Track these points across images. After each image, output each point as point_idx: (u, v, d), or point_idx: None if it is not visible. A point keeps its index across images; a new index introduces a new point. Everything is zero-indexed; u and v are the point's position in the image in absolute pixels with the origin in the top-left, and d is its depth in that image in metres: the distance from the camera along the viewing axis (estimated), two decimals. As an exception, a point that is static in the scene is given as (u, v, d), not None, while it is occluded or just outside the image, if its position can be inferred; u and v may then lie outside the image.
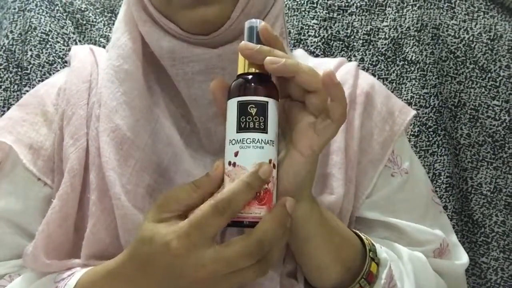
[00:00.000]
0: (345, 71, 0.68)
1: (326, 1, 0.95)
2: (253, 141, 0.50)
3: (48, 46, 0.92)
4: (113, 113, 0.61)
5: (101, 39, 0.95)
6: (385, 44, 0.93)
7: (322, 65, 0.69)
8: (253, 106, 0.51)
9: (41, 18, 0.93)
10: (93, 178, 0.60)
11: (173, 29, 0.60)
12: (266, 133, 0.50)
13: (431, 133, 0.90)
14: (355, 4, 0.95)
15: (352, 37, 0.95)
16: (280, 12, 0.66)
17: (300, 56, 0.71)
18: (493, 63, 0.91)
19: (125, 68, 0.62)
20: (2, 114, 0.92)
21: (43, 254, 0.59)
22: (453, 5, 0.94)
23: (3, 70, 0.93)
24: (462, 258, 0.69)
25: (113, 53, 0.63)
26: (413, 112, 0.70)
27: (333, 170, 0.63)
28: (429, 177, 0.88)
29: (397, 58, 0.93)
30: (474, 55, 0.92)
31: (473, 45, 0.92)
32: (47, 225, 0.60)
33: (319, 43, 0.94)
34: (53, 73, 0.91)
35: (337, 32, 0.95)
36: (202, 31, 0.59)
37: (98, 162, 0.60)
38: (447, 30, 0.93)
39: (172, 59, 0.61)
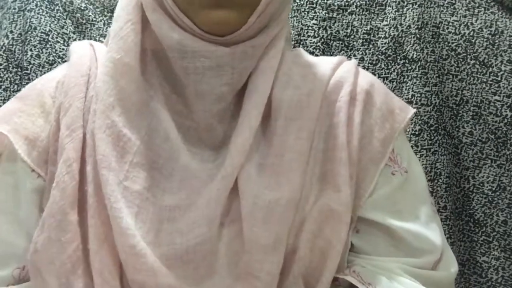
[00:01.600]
0: (345, 69, 0.68)
1: (325, 1, 0.95)
2: None
3: (48, 46, 0.93)
4: (110, 110, 0.60)
5: (101, 38, 0.96)
6: (385, 43, 0.93)
7: (321, 63, 0.69)
8: None
9: (41, 18, 0.94)
10: (90, 171, 0.60)
11: (188, 25, 0.60)
12: None
13: (433, 131, 0.89)
14: (354, 4, 0.95)
15: (352, 36, 0.95)
16: (288, 15, 0.67)
17: (300, 55, 0.70)
18: (494, 57, 0.90)
19: (125, 61, 0.62)
20: (2, 114, 0.93)
21: (48, 250, 0.59)
22: (453, 1, 0.93)
23: (3, 70, 0.93)
24: (454, 264, 0.68)
25: (114, 44, 0.63)
26: (413, 110, 0.69)
27: (338, 167, 0.62)
28: (430, 176, 0.87)
29: (398, 57, 0.93)
30: (474, 50, 0.91)
31: (473, 40, 0.91)
32: (53, 217, 0.59)
33: (319, 43, 0.94)
34: (53, 73, 0.91)
35: (337, 32, 0.95)
36: (218, 32, 0.60)
37: (94, 157, 0.60)
38: (447, 28, 0.93)
39: (183, 52, 0.60)
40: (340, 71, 0.68)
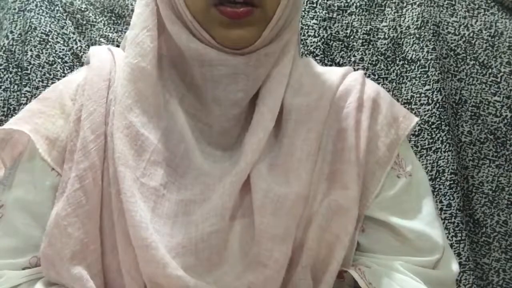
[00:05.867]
0: (352, 78, 0.71)
1: (325, 1, 0.95)
2: None
3: (48, 46, 0.93)
4: (128, 111, 0.63)
5: (101, 39, 0.96)
6: (384, 44, 0.93)
7: (330, 73, 0.72)
8: None
9: (41, 18, 0.94)
10: (112, 173, 0.62)
11: (206, 39, 0.63)
12: None
13: (435, 129, 0.89)
14: (354, 4, 0.95)
15: (352, 37, 0.95)
16: (298, 22, 0.70)
17: (310, 64, 0.74)
18: (493, 59, 0.91)
19: (142, 65, 0.64)
20: (2, 114, 0.93)
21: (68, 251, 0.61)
22: (453, 2, 0.94)
23: (3, 70, 0.93)
24: (454, 262, 0.69)
25: (130, 50, 0.65)
26: (416, 119, 0.72)
27: (347, 167, 0.65)
28: (432, 174, 0.88)
29: (397, 58, 0.93)
30: (474, 51, 0.91)
31: (473, 41, 0.92)
32: (77, 217, 0.61)
33: (319, 43, 0.94)
34: (53, 74, 0.92)
35: (337, 32, 0.95)
36: (235, 47, 0.63)
37: (113, 157, 0.62)
38: (447, 28, 0.93)
39: (201, 61, 0.64)
40: (348, 80, 0.71)
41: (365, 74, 0.74)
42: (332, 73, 0.72)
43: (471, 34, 0.91)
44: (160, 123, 0.64)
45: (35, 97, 0.78)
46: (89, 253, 0.62)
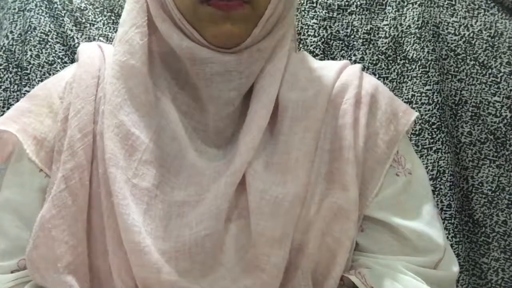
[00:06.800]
0: (350, 73, 0.69)
1: (325, 1, 0.95)
2: None
3: (47, 46, 0.93)
4: (117, 110, 0.61)
5: (100, 37, 0.96)
6: (385, 43, 0.93)
7: (326, 67, 0.70)
8: None
9: (40, 18, 0.94)
10: (102, 173, 0.61)
11: (196, 38, 0.62)
12: None
13: (435, 130, 0.89)
14: (355, 3, 0.95)
15: (352, 36, 0.95)
16: (293, 17, 0.68)
17: (305, 58, 0.72)
18: (493, 59, 0.91)
19: (131, 63, 0.63)
20: (2, 115, 0.93)
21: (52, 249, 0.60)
22: (453, 2, 0.93)
23: (3, 70, 0.93)
24: (455, 263, 0.69)
25: (119, 48, 0.64)
26: (416, 114, 0.70)
27: (345, 166, 0.63)
28: (433, 174, 0.88)
29: (398, 57, 0.93)
30: (474, 51, 0.91)
31: (473, 42, 0.91)
32: (62, 218, 0.60)
33: (319, 43, 0.94)
34: (53, 73, 0.91)
35: (337, 32, 0.95)
36: (225, 45, 0.62)
37: (103, 158, 0.61)
38: (447, 28, 0.93)
39: (192, 59, 0.62)
40: (345, 75, 0.69)
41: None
42: (328, 68, 0.70)
43: (471, 35, 0.91)
44: (151, 121, 0.63)
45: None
46: (75, 256, 0.61)
